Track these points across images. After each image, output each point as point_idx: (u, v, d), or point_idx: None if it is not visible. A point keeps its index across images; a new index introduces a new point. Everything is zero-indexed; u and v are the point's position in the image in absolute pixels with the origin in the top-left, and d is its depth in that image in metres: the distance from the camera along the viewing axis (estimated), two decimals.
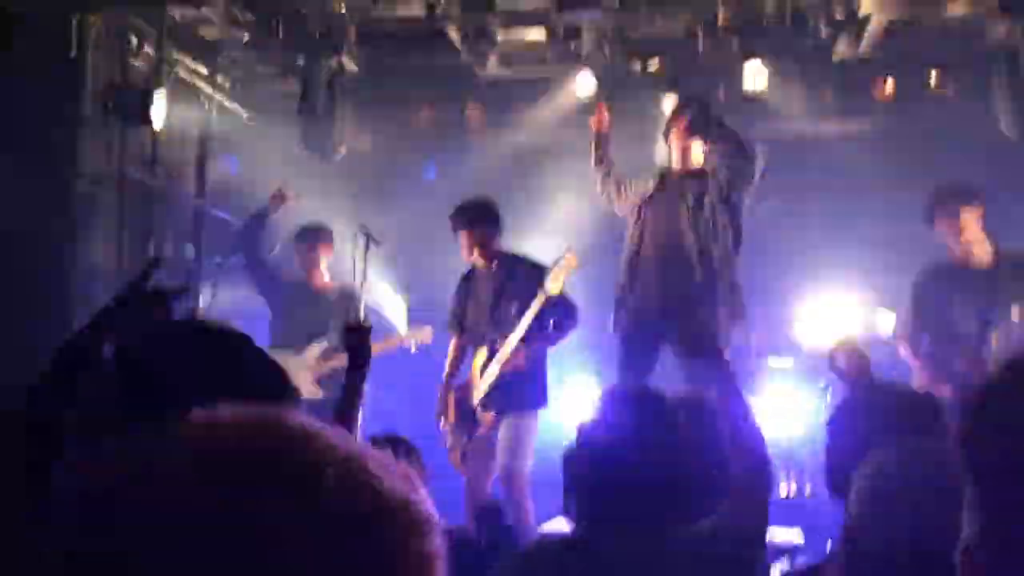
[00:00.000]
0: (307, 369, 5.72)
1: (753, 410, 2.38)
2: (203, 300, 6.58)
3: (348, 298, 5.65)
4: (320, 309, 5.90)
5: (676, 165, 5.20)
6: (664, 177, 5.25)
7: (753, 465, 2.21)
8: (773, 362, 7.33)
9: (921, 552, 1.42)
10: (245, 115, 6.98)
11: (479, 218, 5.31)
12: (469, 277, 5.45)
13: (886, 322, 6.61)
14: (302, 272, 6.12)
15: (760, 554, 2.19)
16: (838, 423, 2.48)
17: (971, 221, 4.77)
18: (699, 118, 5.14)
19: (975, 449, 0.83)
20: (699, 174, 5.11)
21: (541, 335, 5.07)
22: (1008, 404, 0.81)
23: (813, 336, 7.25)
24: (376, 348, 6.03)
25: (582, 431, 2.09)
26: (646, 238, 5.14)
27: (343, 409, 2.46)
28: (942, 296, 4.88)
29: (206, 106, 6.69)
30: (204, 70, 6.54)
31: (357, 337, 2.65)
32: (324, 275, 6.09)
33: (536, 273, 5.08)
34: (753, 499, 2.18)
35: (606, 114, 5.47)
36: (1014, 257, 4.81)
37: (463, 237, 5.31)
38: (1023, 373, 0.84)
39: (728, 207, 5.04)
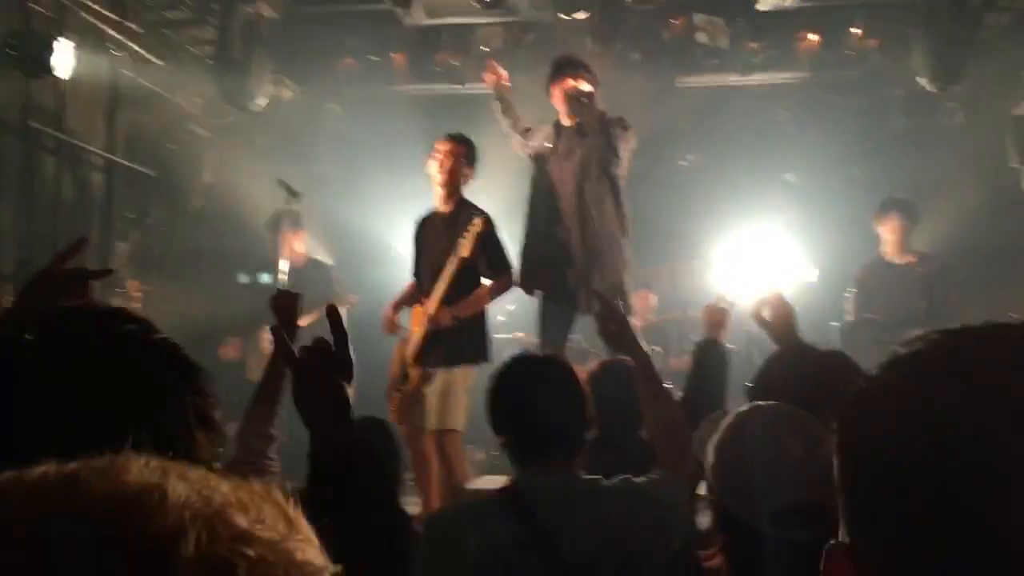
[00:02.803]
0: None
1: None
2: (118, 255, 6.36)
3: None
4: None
5: (565, 120, 5.01)
6: (559, 132, 5.06)
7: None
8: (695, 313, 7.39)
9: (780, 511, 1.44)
10: (158, 63, 6.67)
11: (466, 147, 4.87)
12: (425, 221, 5.07)
13: (810, 273, 6.71)
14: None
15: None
16: (762, 380, 2.48)
17: (901, 228, 5.77)
18: (580, 68, 4.98)
19: (848, 458, 0.71)
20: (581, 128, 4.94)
21: (466, 296, 4.79)
22: (888, 409, 0.68)
23: (734, 287, 7.29)
24: (309, 318, 5.96)
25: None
26: (553, 191, 4.99)
27: (269, 374, 2.39)
28: (877, 286, 5.78)
29: (115, 54, 6.37)
30: (113, 16, 6.20)
31: (283, 300, 2.56)
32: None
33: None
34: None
35: (500, 70, 5.19)
36: (929, 259, 5.83)
37: (448, 150, 4.83)
38: (908, 373, 0.69)
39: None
